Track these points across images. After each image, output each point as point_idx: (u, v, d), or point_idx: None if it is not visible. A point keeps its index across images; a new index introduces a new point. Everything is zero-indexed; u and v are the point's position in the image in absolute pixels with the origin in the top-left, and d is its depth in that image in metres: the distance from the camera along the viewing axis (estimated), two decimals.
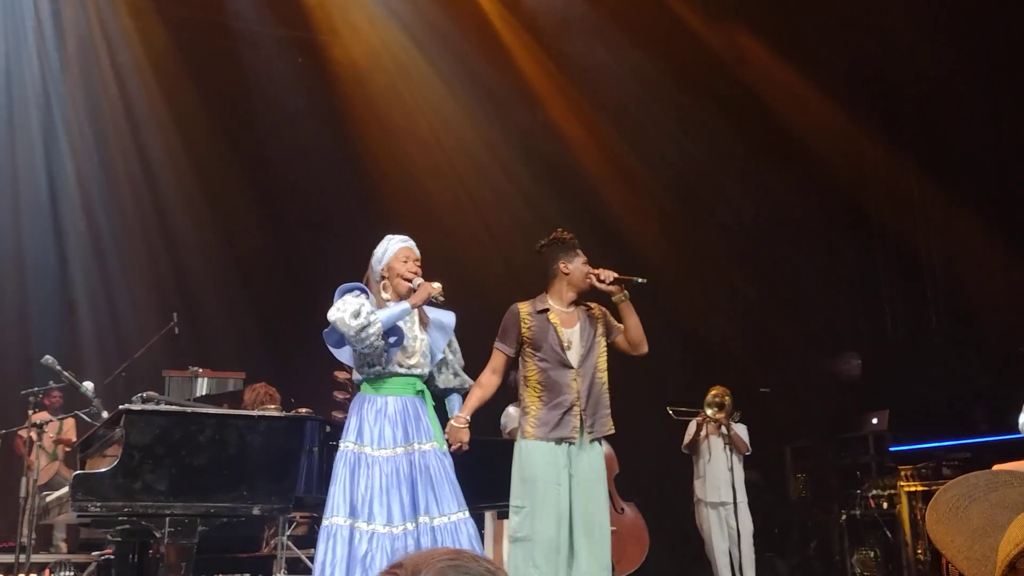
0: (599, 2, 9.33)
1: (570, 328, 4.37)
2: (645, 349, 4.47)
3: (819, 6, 8.89)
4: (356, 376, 4.33)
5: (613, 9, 9.25)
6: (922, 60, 8.69)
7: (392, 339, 4.14)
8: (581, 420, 4.27)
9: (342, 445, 4.13)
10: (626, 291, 4.37)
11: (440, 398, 4.45)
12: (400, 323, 4.18)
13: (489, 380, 4.41)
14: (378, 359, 4.18)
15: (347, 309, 4.05)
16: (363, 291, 4.21)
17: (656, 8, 9.12)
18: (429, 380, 4.38)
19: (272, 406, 5.91)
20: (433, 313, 4.38)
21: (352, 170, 9.85)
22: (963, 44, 8.59)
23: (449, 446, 4.24)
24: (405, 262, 4.29)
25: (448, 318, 4.41)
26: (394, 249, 4.33)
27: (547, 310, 4.39)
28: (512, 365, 4.47)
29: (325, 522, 4.01)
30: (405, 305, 4.16)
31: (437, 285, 4.19)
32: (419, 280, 4.24)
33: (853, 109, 9.64)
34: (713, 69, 9.54)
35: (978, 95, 8.82)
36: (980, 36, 8.58)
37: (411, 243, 4.40)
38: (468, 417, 4.32)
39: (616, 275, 4.34)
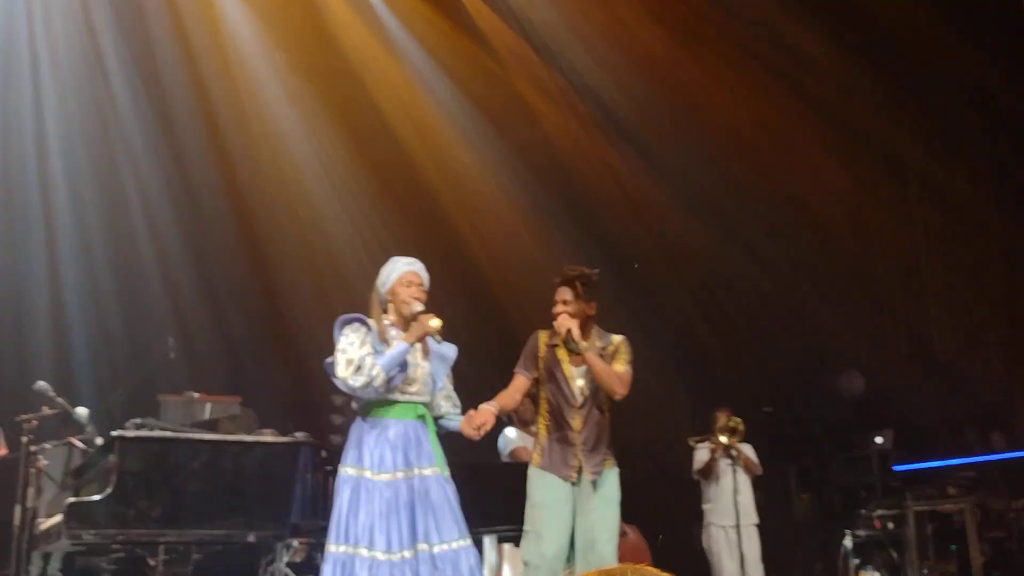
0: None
1: (579, 366, 4.33)
2: (618, 395, 4.30)
3: None
4: (355, 402, 4.25)
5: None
6: None
7: (395, 371, 4.04)
8: (580, 460, 4.25)
9: (341, 470, 4.04)
10: (576, 344, 4.24)
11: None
12: None
13: (510, 396, 4.35)
14: None
15: (347, 366, 3.96)
16: (362, 322, 4.10)
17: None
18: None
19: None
20: (434, 345, 4.25)
21: (349, 195, 9.76)
22: None
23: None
24: (408, 287, 4.16)
25: (450, 351, 4.30)
26: (398, 272, 4.20)
27: (556, 345, 4.36)
28: (532, 389, 4.42)
29: (326, 550, 3.94)
30: (403, 345, 4.03)
31: (435, 323, 4.04)
32: (419, 307, 4.11)
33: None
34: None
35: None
36: None
37: (418, 266, 4.26)
38: (495, 406, 4.17)
39: (569, 331, 4.20)
